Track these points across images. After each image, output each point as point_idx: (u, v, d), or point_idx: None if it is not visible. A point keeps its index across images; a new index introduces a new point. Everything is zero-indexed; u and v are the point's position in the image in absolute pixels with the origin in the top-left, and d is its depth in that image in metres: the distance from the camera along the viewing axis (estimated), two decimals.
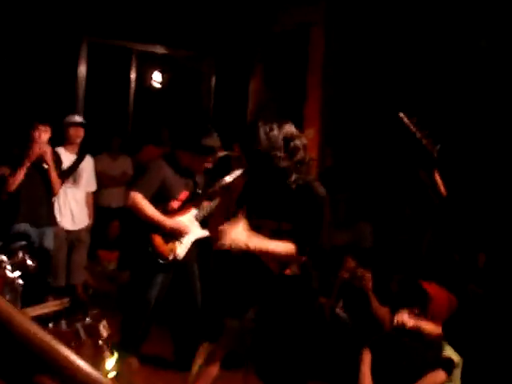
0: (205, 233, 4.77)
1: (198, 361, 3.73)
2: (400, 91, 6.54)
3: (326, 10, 7.17)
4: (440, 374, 3.79)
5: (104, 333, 3.16)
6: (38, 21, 7.51)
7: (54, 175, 5.56)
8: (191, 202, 4.67)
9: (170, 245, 4.56)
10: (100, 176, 6.84)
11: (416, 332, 3.98)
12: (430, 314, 3.96)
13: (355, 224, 6.30)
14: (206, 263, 5.20)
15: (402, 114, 2.31)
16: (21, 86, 7.20)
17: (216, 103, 8.81)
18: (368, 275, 4.72)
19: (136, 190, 4.47)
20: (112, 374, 2.65)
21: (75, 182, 6.29)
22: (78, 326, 2.83)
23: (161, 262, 4.53)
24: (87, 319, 3.09)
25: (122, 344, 4.67)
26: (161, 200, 4.53)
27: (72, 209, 6.22)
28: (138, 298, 4.69)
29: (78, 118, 6.30)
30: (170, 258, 4.55)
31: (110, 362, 2.81)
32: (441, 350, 3.88)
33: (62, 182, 6.07)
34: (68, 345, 2.50)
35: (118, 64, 8.50)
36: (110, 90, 8.40)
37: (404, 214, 6.54)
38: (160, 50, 8.57)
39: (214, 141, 4.57)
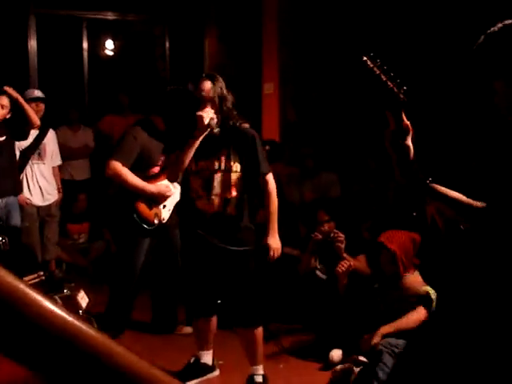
0: None
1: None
2: (358, 39, 6.54)
3: None
4: (421, 311, 3.89)
5: (83, 303, 3.18)
6: None
7: (27, 107, 5.44)
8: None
9: (155, 209, 4.60)
10: (61, 149, 6.73)
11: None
12: (399, 257, 4.06)
13: (321, 174, 6.35)
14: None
15: (365, 58, 2.30)
16: None
17: (172, 66, 8.72)
18: (341, 237, 4.75)
19: (115, 159, 4.44)
20: None
21: (40, 157, 6.20)
22: (57, 297, 2.83)
23: (147, 227, 4.56)
24: (65, 291, 3.09)
25: (111, 313, 4.70)
26: (141, 167, 4.53)
27: (40, 184, 6.15)
28: (126, 266, 4.74)
29: (37, 93, 6.17)
30: (156, 222, 4.59)
31: None
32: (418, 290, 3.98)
33: (28, 159, 6.01)
34: None
35: (69, 34, 8.32)
36: (63, 62, 8.23)
37: (368, 166, 6.60)
38: (111, 16, 8.40)
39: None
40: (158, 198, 4.59)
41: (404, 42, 6.18)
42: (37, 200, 6.17)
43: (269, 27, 7.31)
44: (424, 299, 3.91)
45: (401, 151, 2.09)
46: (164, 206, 4.66)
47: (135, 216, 4.50)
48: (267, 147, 5.97)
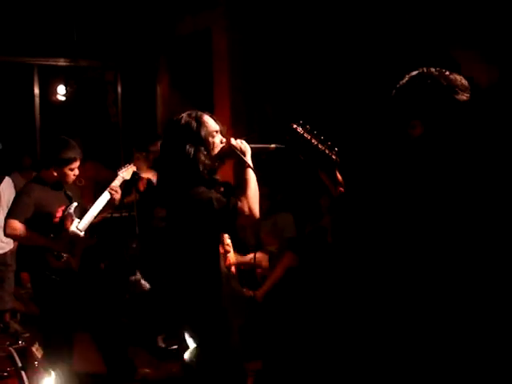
0: (91, 242, 4.80)
1: None
2: (308, 85, 6.69)
3: (225, 13, 7.24)
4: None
5: (38, 355, 3.14)
6: None
7: None
8: (68, 215, 4.66)
9: (64, 259, 4.54)
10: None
11: None
12: None
13: (276, 214, 6.40)
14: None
15: (294, 125, 2.48)
16: None
17: (124, 112, 8.75)
18: None
19: (12, 218, 4.43)
20: None
21: None
22: (11, 350, 2.80)
23: (58, 279, 4.49)
24: (20, 343, 3.06)
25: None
26: (41, 221, 4.50)
27: None
28: (56, 322, 4.53)
29: None
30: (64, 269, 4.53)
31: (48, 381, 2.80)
32: None
33: None
34: (4, 370, 2.48)
35: (20, 80, 8.30)
36: (15, 108, 8.19)
37: (320, 205, 6.70)
38: (62, 62, 8.42)
39: (72, 151, 4.56)
40: (67, 249, 4.55)
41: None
42: None
43: (219, 70, 7.41)
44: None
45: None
46: (73, 255, 4.61)
47: (48, 272, 4.47)
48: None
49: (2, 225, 6.09)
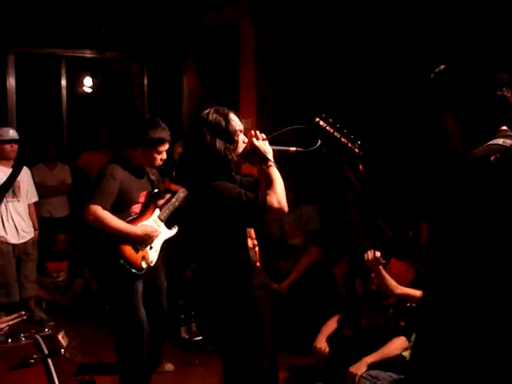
0: (172, 232, 4.58)
1: None
2: (335, 73, 6.66)
3: (251, 5, 7.22)
4: (402, 340, 3.93)
5: (64, 342, 3.16)
6: None
7: None
8: (151, 202, 4.44)
9: (141, 252, 4.29)
10: (38, 186, 6.73)
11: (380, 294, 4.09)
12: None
13: (301, 207, 6.37)
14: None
15: (317, 119, 2.47)
16: None
17: (150, 103, 8.79)
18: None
19: (94, 203, 4.10)
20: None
21: (15, 195, 6.19)
22: (38, 337, 2.82)
23: (136, 272, 4.24)
24: (46, 330, 3.07)
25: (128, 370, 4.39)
26: (121, 206, 4.22)
27: (15, 222, 6.11)
28: (129, 319, 4.31)
29: (12, 134, 6.15)
30: (144, 266, 4.29)
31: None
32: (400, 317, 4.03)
33: (2, 197, 5.99)
34: (31, 357, 2.49)
35: (48, 72, 8.37)
36: (42, 99, 8.26)
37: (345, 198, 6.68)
38: (89, 53, 8.48)
39: (162, 132, 4.30)
40: (145, 241, 4.31)
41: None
42: (12, 238, 6.13)
43: (246, 62, 7.40)
44: (405, 329, 3.95)
45: (364, 209, 2.28)
46: (151, 248, 4.38)
47: (122, 261, 4.17)
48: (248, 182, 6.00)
49: (22, 213, 6.24)
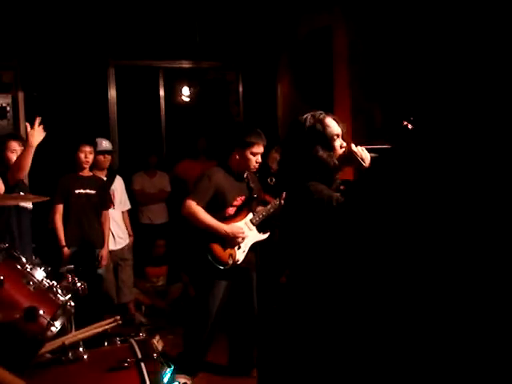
0: (262, 236, 4.86)
1: None
2: (428, 74, 6.50)
3: (344, 13, 7.17)
4: None
5: (158, 347, 3.23)
6: (66, 50, 7.67)
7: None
8: (246, 206, 4.77)
9: (229, 250, 4.65)
10: (138, 194, 6.93)
11: None
12: None
13: None
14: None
15: (405, 123, 2.46)
16: (57, 116, 7.33)
17: (245, 111, 8.88)
18: None
19: (191, 198, 4.56)
20: None
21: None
22: (132, 341, 2.89)
23: (221, 268, 4.61)
24: (141, 334, 3.16)
25: (186, 356, 4.76)
26: (217, 207, 4.62)
27: (111, 229, 6.32)
28: (202, 308, 4.77)
29: (104, 145, 6.35)
30: (230, 262, 4.63)
31: (166, 374, 2.86)
32: None
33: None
34: (125, 361, 2.57)
35: (146, 83, 8.62)
36: (141, 109, 8.52)
37: None
38: (186, 64, 8.68)
39: (257, 137, 4.65)
40: (232, 239, 4.63)
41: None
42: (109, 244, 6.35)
43: (340, 68, 7.35)
44: None
45: None
46: (239, 248, 4.70)
47: (209, 257, 4.57)
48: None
49: (117, 220, 6.46)
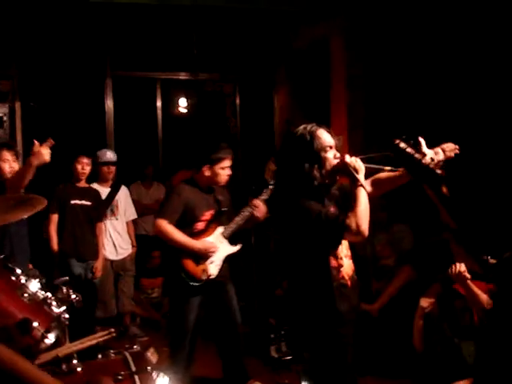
0: (234, 249, 4.84)
1: None
2: (428, 88, 6.52)
3: (342, 24, 7.19)
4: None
5: (152, 360, 3.21)
6: (64, 61, 7.68)
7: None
8: (216, 220, 4.76)
9: (202, 266, 4.62)
10: (135, 205, 6.92)
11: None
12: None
13: (393, 226, 6.26)
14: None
15: (397, 140, 2.45)
16: (54, 126, 7.33)
17: (242, 123, 8.89)
18: None
19: (161, 217, 4.55)
20: None
21: (113, 213, 6.41)
22: (126, 354, 2.87)
23: (195, 284, 4.59)
24: (135, 347, 3.14)
25: (172, 369, 4.73)
26: (186, 222, 4.61)
27: (113, 239, 6.32)
28: (178, 326, 4.75)
29: (108, 156, 6.35)
30: (204, 278, 4.61)
31: None
32: None
33: (102, 215, 6.21)
34: (119, 373, 2.55)
35: (144, 94, 8.63)
36: (139, 120, 8.52)
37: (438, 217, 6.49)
38: (183, 76, 8.69)
39: (225, 151, 4.68)
40: (205, 254, 4.62)
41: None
42: (110, 254, 6.33)
43: (337, 80, 7.37)
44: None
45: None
46: (212, 262, 4.68)
47: (183, 274, 4.55)
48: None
49: (120, 231, 6.45)
